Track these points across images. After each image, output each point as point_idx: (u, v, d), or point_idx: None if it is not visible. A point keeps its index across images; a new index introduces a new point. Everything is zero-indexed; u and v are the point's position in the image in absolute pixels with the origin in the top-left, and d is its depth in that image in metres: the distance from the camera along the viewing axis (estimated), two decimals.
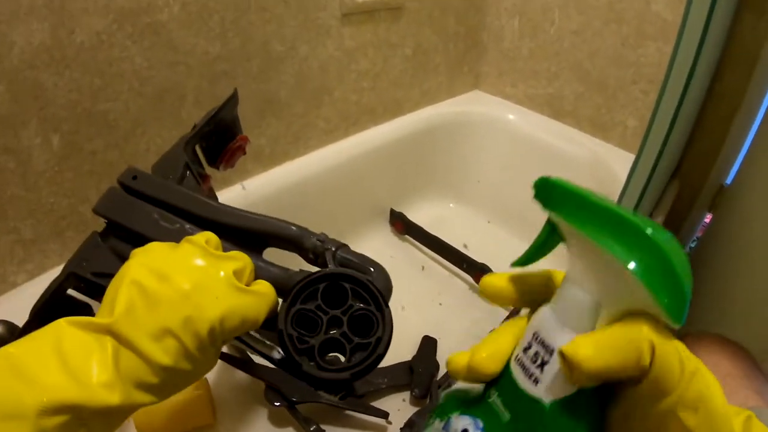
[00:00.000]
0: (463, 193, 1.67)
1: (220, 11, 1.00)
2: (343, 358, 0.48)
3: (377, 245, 1.45)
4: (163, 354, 0.39)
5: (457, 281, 1.36)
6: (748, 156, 1.25)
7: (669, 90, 0.79)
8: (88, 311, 0.64)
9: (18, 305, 0.87)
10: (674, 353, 0.27)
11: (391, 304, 0.50)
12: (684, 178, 1.37)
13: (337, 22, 1.21)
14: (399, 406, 1.00)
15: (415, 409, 0.97)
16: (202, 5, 0.97)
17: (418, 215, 1.52)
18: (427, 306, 1.27)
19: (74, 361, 0.36)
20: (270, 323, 0.47)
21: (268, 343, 0.52)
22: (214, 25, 1.00)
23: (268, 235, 0.56)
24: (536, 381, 0.30)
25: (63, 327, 0.38)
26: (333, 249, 0.54)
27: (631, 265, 0.26)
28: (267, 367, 0.96)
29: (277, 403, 0.91)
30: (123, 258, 0.47)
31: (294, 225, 0.56)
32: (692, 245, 1.61)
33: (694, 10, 0.73)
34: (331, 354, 0.48)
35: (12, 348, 0.37)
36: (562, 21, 1.42)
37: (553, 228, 0.33)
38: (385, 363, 1.03)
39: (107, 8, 0.85)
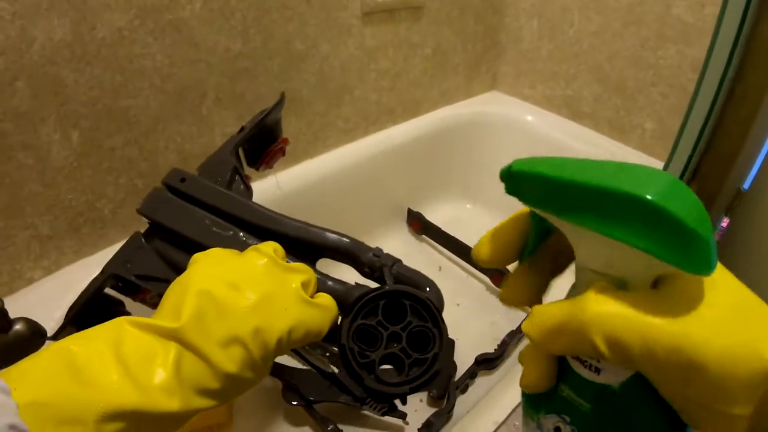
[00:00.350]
0: (480, 194, 1.66)
1: (242, 9, 0.99)
2: (393, 369, 0.49)
3: (394, 245, 1.45)
4: (229, 361, 0.39)
5: (474, 282, 1.35)
6: (766, 161, 1.24)
7: (702, 94, 0.78)
8: (122, 308, 0.64)
9: (34, 301, 0.88)
10: (627, 336, 0.25)
11: None
12: (702, 181, 1.36)
13: (358, 21, 1.21)
14: (416, 407, 0.99)
15: (432, 410, 0.96)
16: (225, 2, 0.96)
17: (435, 215, 1.51)
18: (444, 306, 1.25)
19: (135, 363, 0.36)
20: (329, 336, 0.48)
21: (320, 356, 0.52)
22: (236, 23, 1.00)
23: (324, 247, 0.56)
24: (597, 370, 0.30)
25: (124, 327, 0.38)
26: (390, 264, 0.54)
27: (633, 241, 0.24)
28: (284, 366, 0.96)
29: (295, 402, 0.91)
30: (169, 261, 0.47)
31: (348, 238, 0.56)
32: None
33: (729, 14, 0.72)
34: (385, 366, 0.49)
35: (71, 344, 0.36)
36: (582, 22, 1.41)
37: (541, 219, 0.31)
38: None
39: (129, 4, 0.85)
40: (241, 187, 0.62)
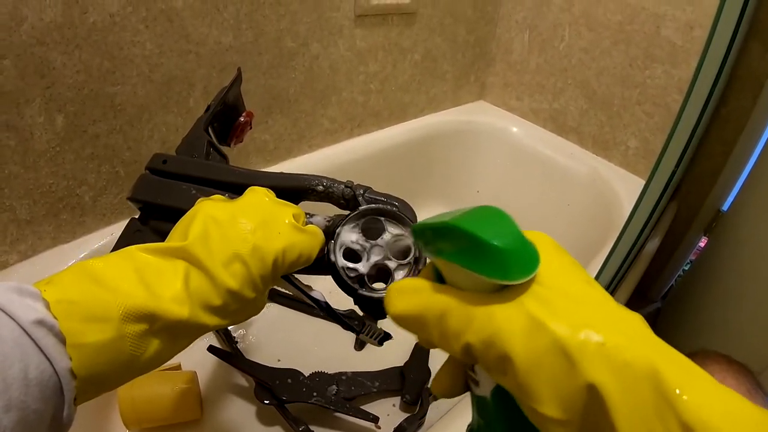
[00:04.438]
0: (462, 202, 1.64)
1: (235, 2, 0.99)
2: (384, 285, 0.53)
3: None
4: (231, 278, 0.43)
5: None
6: (746, 184, 1.26)
7: (686, 115, 0.79)
8: None
9: None
10: (486, 336, 0.28)
11: None
12: (682, 200, 1.38)
13: (350, 23, 1.21)
14: (389, 411, 0.99)
15: (405, 415, 0.96)
16: None
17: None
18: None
19: (149, 277, 0.40)
20: (317, 263, 0.52)
21: (312, 288, 0.57)
22: (228, 16, 0.99)
23: (302, 190, 0.61)
24: (476, 383, 0.33)
25: (135, 253, 0.42)
26: (362, 192, 0.59)
27: (454, 259, 0.29)
28: (258, 364, 0.95)
29: (267, 402, 0.90)
30: (167, 235, 0.49)
31: (323, 177, 0.61)
32: (686, 268, 1.62)
33: (716, 39, 0.74)
34: (375, 284, 0.53)
35: (92, 262, 0.40)
36: (572, 38, 1.42)
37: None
38: (376, 367, 1.02)
39: None
40: (218, 158, 0.66)
